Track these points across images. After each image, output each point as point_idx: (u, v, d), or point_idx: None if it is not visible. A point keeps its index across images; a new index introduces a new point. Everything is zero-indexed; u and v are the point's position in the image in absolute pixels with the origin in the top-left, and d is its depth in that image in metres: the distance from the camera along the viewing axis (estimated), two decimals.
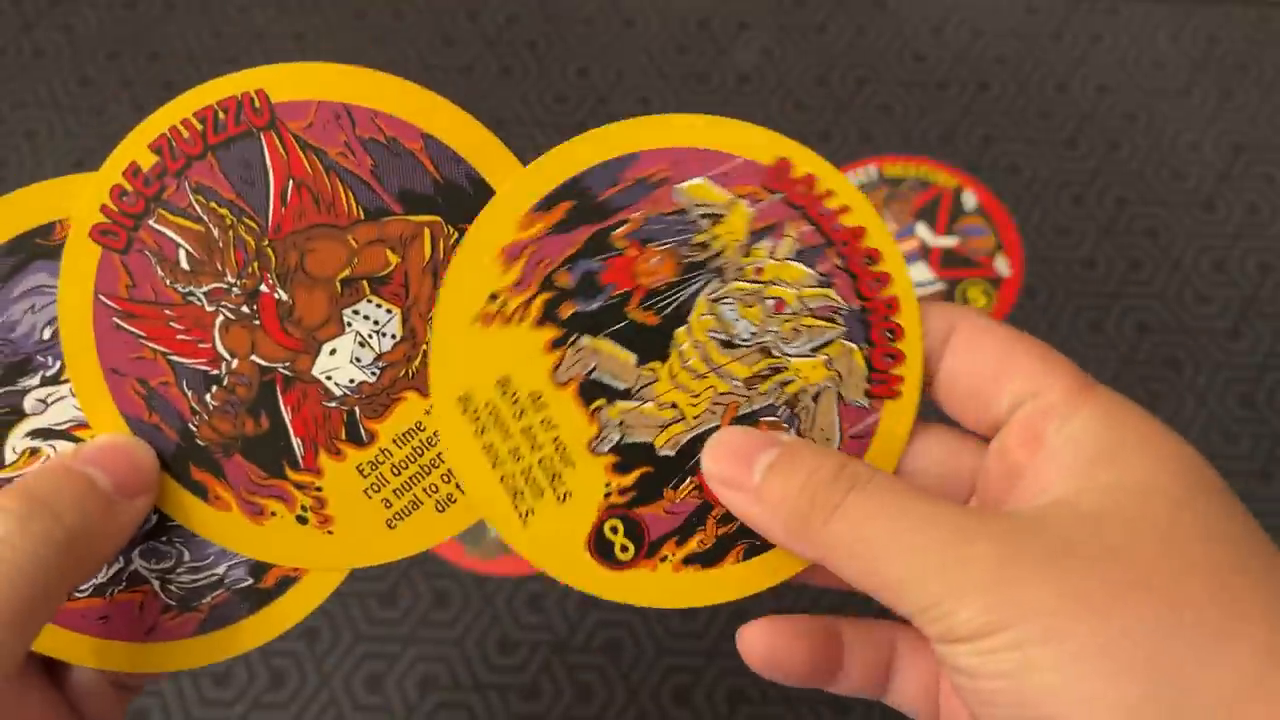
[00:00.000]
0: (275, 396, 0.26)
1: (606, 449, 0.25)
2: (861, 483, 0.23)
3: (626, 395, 0.25)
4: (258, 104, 0.25)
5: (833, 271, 0.25)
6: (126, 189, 0.25)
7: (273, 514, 0.26)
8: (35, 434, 0.25)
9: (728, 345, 0.25)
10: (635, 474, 0.25)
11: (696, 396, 0.25)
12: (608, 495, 0.25)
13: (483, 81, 0.63)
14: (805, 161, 0.25)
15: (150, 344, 0.25)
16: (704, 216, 0.25)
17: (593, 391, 0.25)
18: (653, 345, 0.25)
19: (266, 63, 0.25)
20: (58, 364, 0.25)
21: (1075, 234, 0.58)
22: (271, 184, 0.25)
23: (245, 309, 0.25)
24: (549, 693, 0.47)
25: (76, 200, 0.25)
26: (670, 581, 0.25)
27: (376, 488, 0.26)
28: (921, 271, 0.57)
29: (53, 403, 0.25)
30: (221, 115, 0.25)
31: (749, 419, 0.26)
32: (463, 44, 0.64)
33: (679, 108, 0.62)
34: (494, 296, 0.25)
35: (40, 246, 0.25)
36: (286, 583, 0.26)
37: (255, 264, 0.25)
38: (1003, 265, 0.57)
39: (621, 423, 0.25)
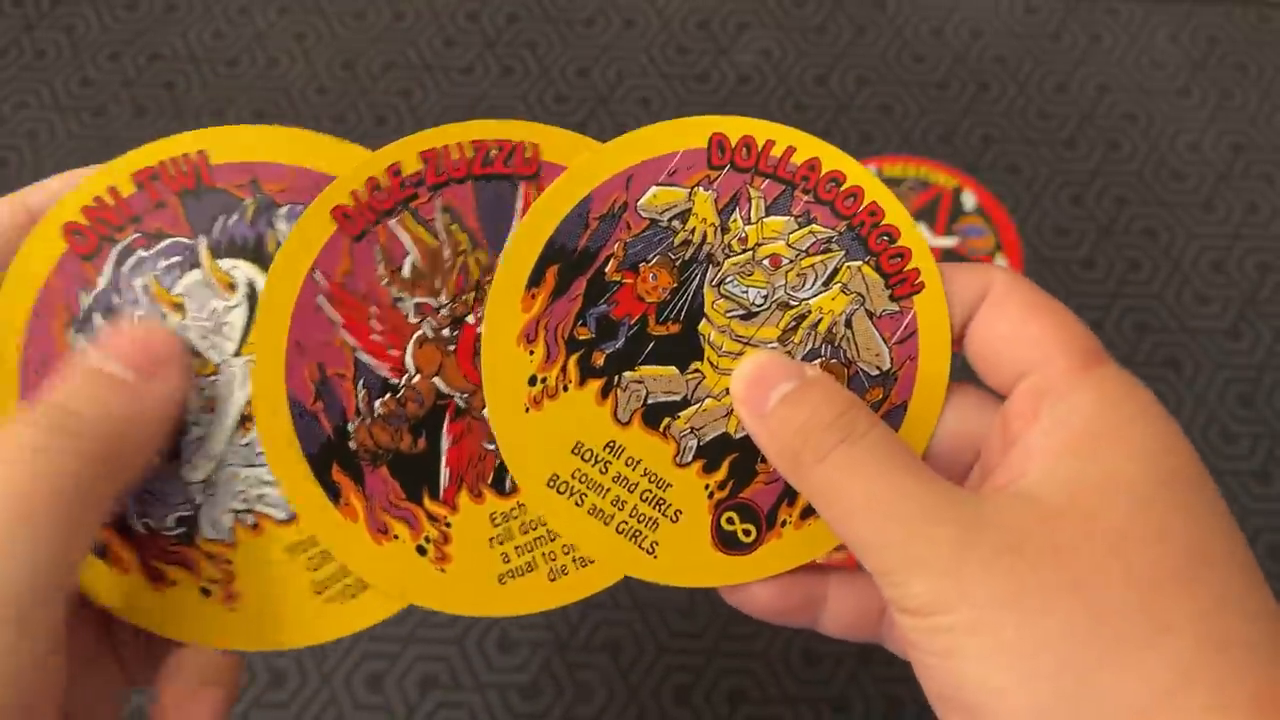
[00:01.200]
0: (441, 422, 0.26)
1: (691, 457, 0.26)
2: (855, 436, 0.23)
3: (685, 404, 0.26)
4: (529, 155, 0.26)
5: (807, 208, 0.26)
6: (381, 184, 0.26)
7: (395, 536, 0.26)
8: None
9: (748, 317, 0.26)
10: (725, 465, 0.26)
11: None
12: (710, 495, 0.26)
13: (483, 81, 0.63)
14: (735, 128, 0.26)
15: (344, 333, 0.26)
16: (673, 218, 0.26)
17: (655, 415, 0.26)
18: (686, 350, 0.26)
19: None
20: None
21: (1075, 234, 0.58)
22: (513, 228, 0.26)
23: (446, 332, 0.26)
24: (549, 692, 0.47)
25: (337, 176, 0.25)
26: (801, 538, 0.26)
27: (501, 540, 0.26)
28: None
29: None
30: (494, 153, 0.26)
31: None
32: (463, 44, 0.64)
33: (679, 108, 0.62)
34: (533, 380, 0.26)
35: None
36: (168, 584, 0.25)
37: (472, 295, 0.26)
38: (1002, 265, 0.57)
39: (693, 428, 0.26)
